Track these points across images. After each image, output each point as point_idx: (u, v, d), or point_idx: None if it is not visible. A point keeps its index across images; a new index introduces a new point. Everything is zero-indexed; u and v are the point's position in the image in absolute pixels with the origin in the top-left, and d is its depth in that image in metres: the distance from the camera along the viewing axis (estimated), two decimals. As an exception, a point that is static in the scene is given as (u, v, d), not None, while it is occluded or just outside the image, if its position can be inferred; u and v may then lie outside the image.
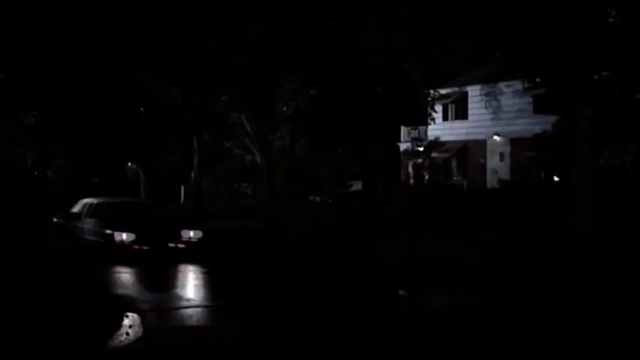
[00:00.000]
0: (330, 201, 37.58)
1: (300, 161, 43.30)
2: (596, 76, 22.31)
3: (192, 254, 18.10)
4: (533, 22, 21.82)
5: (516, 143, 36.21)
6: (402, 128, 43.63)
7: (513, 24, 22.13)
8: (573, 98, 22.18)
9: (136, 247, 17.88)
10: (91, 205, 20.32)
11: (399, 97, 36.72)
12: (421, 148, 41.04)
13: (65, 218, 21.31)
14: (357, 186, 40.81)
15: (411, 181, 40.74)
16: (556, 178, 31.80)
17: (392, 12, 24.61)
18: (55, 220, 22.35)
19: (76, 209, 20.98)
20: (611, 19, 21.92)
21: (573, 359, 9.39)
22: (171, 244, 18.24)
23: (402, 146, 43.48)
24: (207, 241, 18.99)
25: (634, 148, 25.40)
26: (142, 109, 33.74)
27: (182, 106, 30.72)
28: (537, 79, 25.97)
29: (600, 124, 22.01)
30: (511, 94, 32.53)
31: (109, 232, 18.15)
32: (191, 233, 18.66)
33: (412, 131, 42.75)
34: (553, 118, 28.06)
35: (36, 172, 38.85)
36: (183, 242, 18.40)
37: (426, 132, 41.82)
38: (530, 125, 33.55)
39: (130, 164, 44.44)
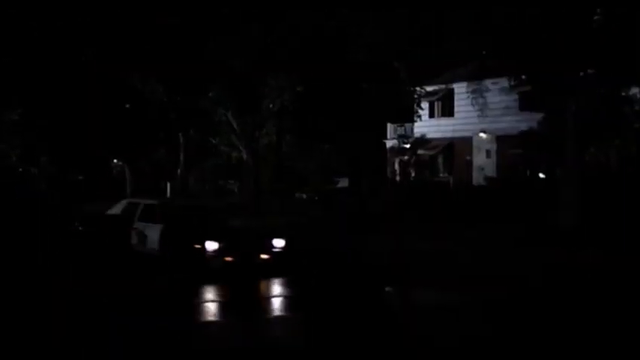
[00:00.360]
0: (316, 198, 37.56)
1: (287, 158, 43.29)
2: (581, 74, 22.37)
3: (279, 265, 15.91)
4: (520, 20, 21.84)
5: (502, 140, 36.30)
6: (389, 125, 43.67)
7: (500, 22, 22.15)
8: (559, 96, 22.25)
9: (226, 258, 15.21)
10: (147, 207, 17.33)
11: (385, 94, 36.75)
12: (407, 145, 41.11)
13: (98, 223, 18.45)
14: (343, 183, 40.82)
15: (398, 178, 40.80)
16: (542, 175, 31.92)
17: (380, 9, 24.60)
18: (77, 224, 19.27)
19: (116, 212, 18.18)
20: (596, 17, 21.98)
21: (565, 358, 9.42)
22: (261, 255, 15.81)
23: (389, 143, 43.52)
24: (292, 250, 16.74)
25: (618, 144, 25.55)
26: (127, 105, 33.65)
27: (168, 102, 30.66)
28: (523, 77, 26.03)
29: (585, 121, 22.07)
30: (497, 92, 32.61)
31: (190, 241, 15.50)
32: (277, 242, 16.22)
33: (398, 128, 42.82)
34: (539, 116, 28.15)
35: (20, 169, 38.61)
36: (270, 252, 16.01)
37: (412, 129, 41.90)
38: (517, 122, 33.64)
39: (115, 161, 44.29)
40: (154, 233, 16.41)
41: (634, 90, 23.85)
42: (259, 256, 15.76)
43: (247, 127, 29.73)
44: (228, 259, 15.20)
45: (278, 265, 15.85)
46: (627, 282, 14.32)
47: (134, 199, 18.87)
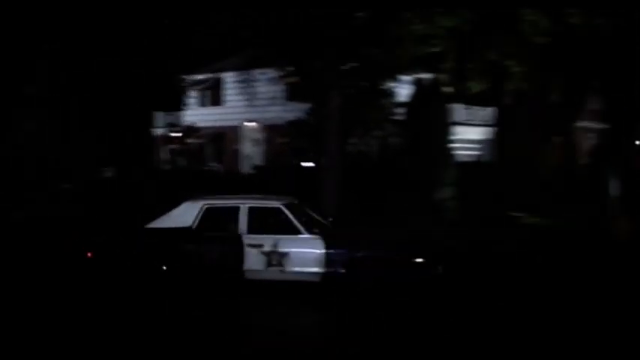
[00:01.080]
0: (80, 190, 36.03)
1: (47, 147, 41.06)
2: (345, 67, 23.37)
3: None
4: (286, 12, 22.38)
5: (270, 129, 37.12)
6: (157, 113, 43.03)
7: (268, 13, 22.57)
8: (323, 87, 23.09)
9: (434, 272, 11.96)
10: (266, 212, 12.21)
11: (153, 82, 36.13)
12: (177, 134, 40.78)
13: (151, 240, 12.32)
14: (110, 173, 39.59)
15: (166, 167, 40.35)
16: (311, 164, 33.03)
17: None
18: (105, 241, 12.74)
19: (182, 222, 12.27)
20: (359, 14, 23.05)
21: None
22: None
23: (157, 132, 42.87)
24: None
25: (378, 135, 27.09)
26: None
27: None
28: (290, 68, 26.71)
29: (348, 112, 23.11)
30: (266, 82, 33.22)
31: (394, 256, 11.65)
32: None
33: (167, 117, 42.37)
34: (306, 106, 29.06)
35: None
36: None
37: (181, 117, 41.64)
38: (285, 112, 34.53)
39: None
40: (309, 250, 11.80)
41: (391, 84, 25.32)
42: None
43: (3, 114, 27.92)
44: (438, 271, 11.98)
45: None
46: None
47: (217, 199, 12.86)
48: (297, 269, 11.67)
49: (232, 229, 11.96)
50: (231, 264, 11.79)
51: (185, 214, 12.30)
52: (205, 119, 40.79)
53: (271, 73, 30.43)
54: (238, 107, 37.44)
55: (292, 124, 31.00)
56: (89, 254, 12.22)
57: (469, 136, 37.43)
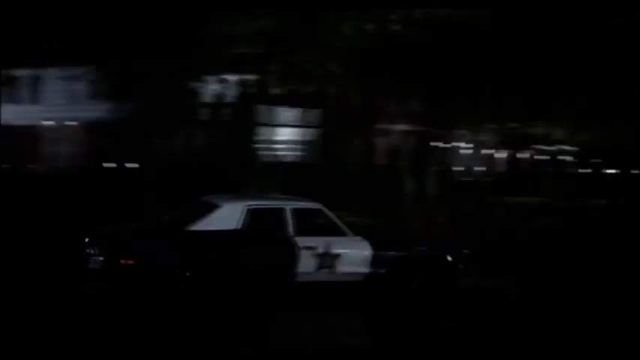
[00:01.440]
0: None
1: None
2: (150, 66, 23.15)
3: None
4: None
5: (73, 129, 36.44)
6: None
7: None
8: (126, 86, 22.82)
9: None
10: (310, 213, 12.09)
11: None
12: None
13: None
14: None
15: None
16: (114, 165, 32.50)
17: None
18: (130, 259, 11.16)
19: (233, 225, 11.61)
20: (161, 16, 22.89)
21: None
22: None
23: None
24: None
25: (185, 135, 27.05)
26: None
27: None
28: (101, 66, 26.15)
29: (153, 112, 22.95)
30: (77, 80, 32.36)
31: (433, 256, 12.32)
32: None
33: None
34: (111, 105, 28.50)
35: None
36: None
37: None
38: (88, 112, 33.82)
39: None
40: (359, 251, 11.86)
41: (198, 84, 25.38)
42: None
43: None
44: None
45: None
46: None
47: (257, 199, 12.57)
48: (345, 270, 11.72)
49: (281, 232, 11.65)
50: (285, 267, 11.50)
51: (229, 217, 11.63)
52: (19, 117, 39.10)
53: (80, 70, 29.64)
54: (53, 105, 36.38)
55: (94, 124, 30.33)
56: (130, 261, 11.01)
57: (290, 137, 38.04)
